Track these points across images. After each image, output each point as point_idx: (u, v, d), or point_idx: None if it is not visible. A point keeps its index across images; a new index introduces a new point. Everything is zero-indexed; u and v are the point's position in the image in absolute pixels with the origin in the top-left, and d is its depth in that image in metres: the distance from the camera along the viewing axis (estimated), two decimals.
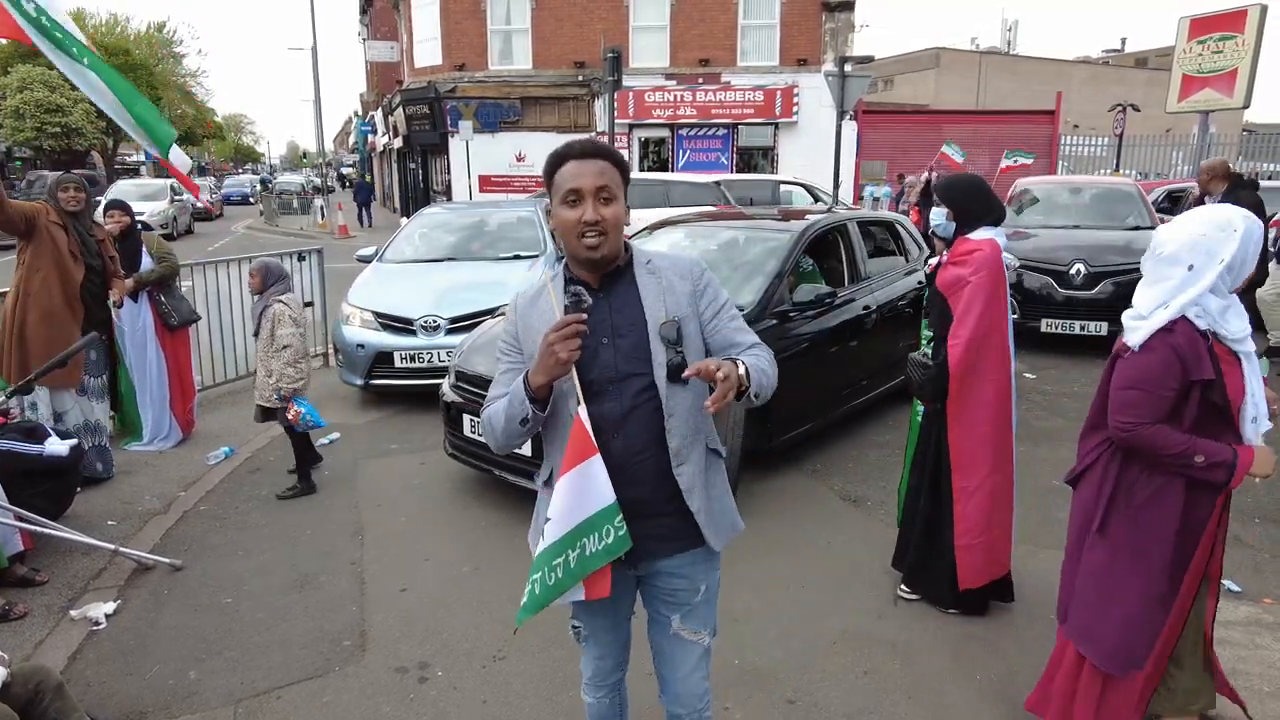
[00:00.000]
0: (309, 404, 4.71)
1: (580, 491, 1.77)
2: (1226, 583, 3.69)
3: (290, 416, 4.63)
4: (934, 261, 3.42)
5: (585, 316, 1.75)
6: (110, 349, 5.16)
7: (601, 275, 1.90)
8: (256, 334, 4.73)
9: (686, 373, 1.74)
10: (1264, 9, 11.58)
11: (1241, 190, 6.56)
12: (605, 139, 16.00)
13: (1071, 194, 9.61)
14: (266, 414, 4.78)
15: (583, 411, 1.78)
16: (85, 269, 4.73)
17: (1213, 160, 6.70)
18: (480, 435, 4.47)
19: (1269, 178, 19.35)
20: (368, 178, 37.00)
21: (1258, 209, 6.02)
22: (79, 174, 5.19)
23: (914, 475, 3.54)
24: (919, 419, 3.55)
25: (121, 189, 21.43)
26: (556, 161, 1.86)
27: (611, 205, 1.82)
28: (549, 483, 1.94)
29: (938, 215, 3.34)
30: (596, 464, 1.77)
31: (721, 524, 1.99)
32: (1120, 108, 21.21)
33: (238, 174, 55.68)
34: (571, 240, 1.83)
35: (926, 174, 10.24)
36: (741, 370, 1.75)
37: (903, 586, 3.61)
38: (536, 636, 3.34)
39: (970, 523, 3.30)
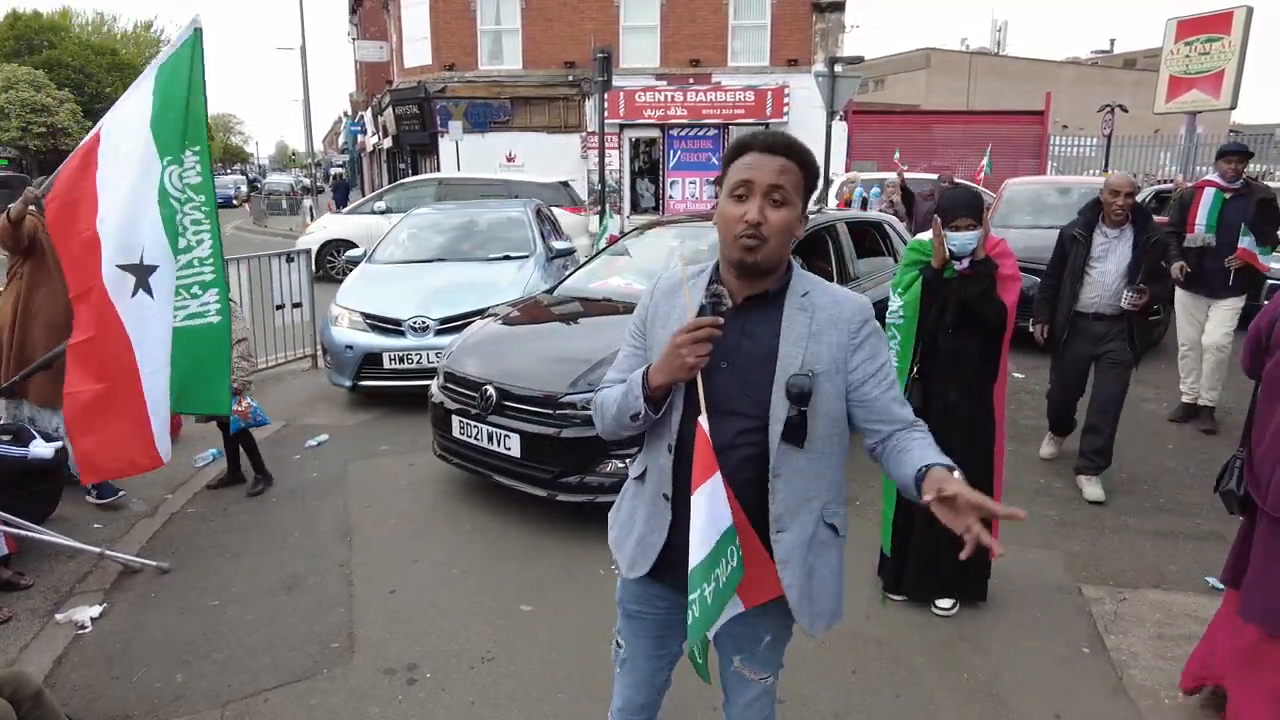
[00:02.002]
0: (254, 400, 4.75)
1: (707, 515, 1.60)
2: (1210, 580, 3.73)
3: (241, 409, 4.61)
4: (963, 266, 3.29)
5: (722, 321, 1.59)
6: None
7: (750, 293, 1.71)
8: None
9: (925, 498, 1.48)
10: (1249, 10, 11.66)
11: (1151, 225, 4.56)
12: (595, 139, 15.97)
13: (1060, 194, 9.66)
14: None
15: (704, 421, 1.60)
16: None
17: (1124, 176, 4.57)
18: (469, 437, 4.47)
19: (1256, 178, 19.53)
20: (345, 176, 37.08)
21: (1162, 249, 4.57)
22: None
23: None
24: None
25: None
26: (738, 149, 1.67)
27: (782, 210, 1.62)
28: (641, 478, 1.84)
29: (970, 239, 3.22)
30: (717, 484, 1.60)
31: (820, 607, 1.78)
32: (1109, 108, 21.32)
33: (222, 174, 55.24)
34: (727, 238, 1.65)
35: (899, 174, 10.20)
36: (957, 475, 1.51)
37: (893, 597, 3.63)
38: (525, 638, 3.34)
39: (1001, 483, 3.56)
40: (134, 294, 3.52)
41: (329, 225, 14.68)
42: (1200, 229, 5.62)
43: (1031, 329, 4.91)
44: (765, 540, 1.72)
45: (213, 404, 3.94)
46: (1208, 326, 5.79)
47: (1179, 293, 5.95)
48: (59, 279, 4.25)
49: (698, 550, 1.59)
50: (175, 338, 3.65)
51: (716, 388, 1.66)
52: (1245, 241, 5.41)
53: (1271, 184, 13.74)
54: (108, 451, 3.55)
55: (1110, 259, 4.52)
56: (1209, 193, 5.64)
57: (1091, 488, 4.67)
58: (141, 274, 3.52)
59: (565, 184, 12.77)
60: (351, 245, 11.55)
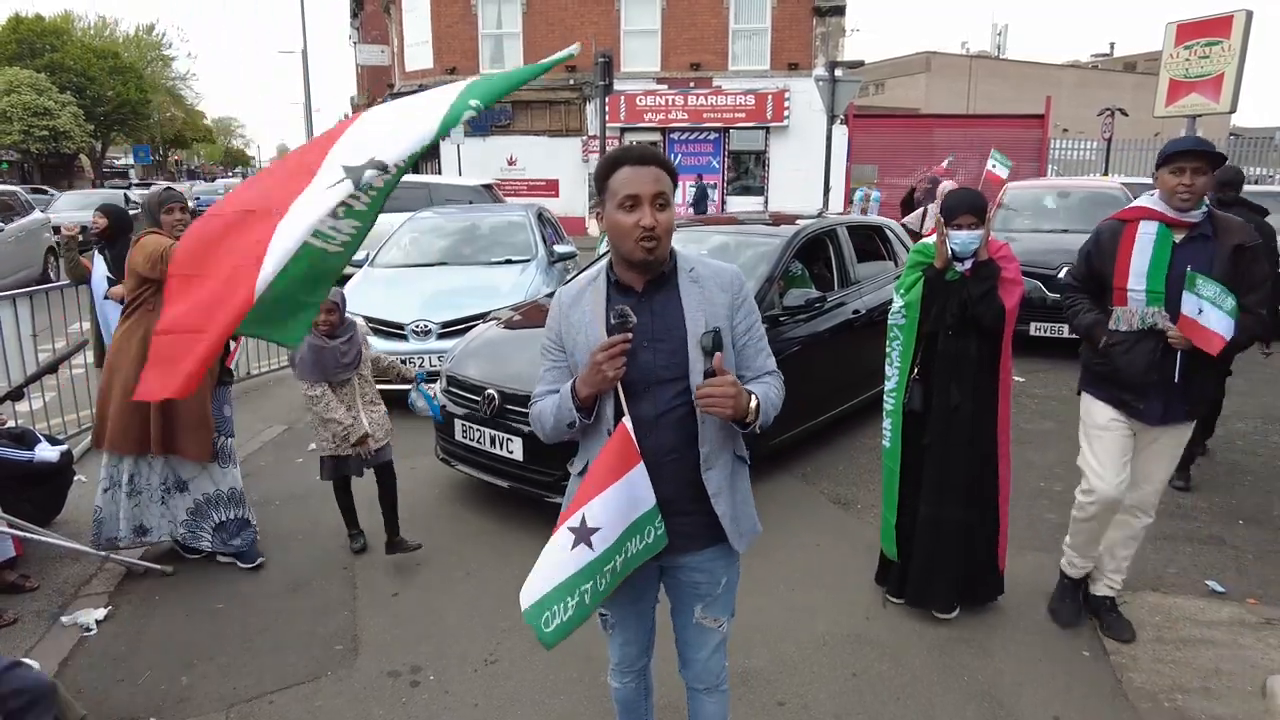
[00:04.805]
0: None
1: (626, 499, 1.86)
2: (1210, 583, 3.74)
3: (429, 399, 4.18)
4: (966, 266, 3.30)
5: (631, 336, 1.83)
6: None
7: (647, 280, 1.96)
8: (348, 366, 3.94)
9: (711, 363, 1.85)
10: (1249, 14, 11.68)
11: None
12: (596, 143, 16.05)
13: (1060, 198, 9.69)
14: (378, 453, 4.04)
15: (628, 422, 1.87)
16: None
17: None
18: (471, 441, 4.49)
19: (1255, 181, 19.58)
20: None
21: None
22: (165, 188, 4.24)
23: (934, 503, 3.44)
24: (895, 449, 3.50)
25: (68, 199, 19.10)
26: (611, 165, 1.91)
27: (666, 211, 1.88)
28: (583, 473, 2.04)
29: (973, 238, 3.22)
30: (640, 472, 1.87)
31: (743, 527, 2.07)
32: (1109, 112, 21.33)
33: (222, 177, 54.86)
34: (627, 243, 1.88)
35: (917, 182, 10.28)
36: (753, 404, 1.88)
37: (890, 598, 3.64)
38: (528, 640, 3.35)
39: (1008, 491, 3.50)
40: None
41: None
42: (1137, 299, 3.01)
43: None
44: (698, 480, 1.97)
45: (286, 335, 3.17)
46: (1137, 471, 3.22)
47: (1092, 404, 3.28)
48: None
49: (602, 539, 1.83)
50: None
51: (645, 365, 1.92)
52: (1189, 307, 2.91)
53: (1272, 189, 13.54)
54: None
55: None
56: (1147, 230, 2.98)
57: None
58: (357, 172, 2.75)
59: (489, 186, 12.78)
60: None
